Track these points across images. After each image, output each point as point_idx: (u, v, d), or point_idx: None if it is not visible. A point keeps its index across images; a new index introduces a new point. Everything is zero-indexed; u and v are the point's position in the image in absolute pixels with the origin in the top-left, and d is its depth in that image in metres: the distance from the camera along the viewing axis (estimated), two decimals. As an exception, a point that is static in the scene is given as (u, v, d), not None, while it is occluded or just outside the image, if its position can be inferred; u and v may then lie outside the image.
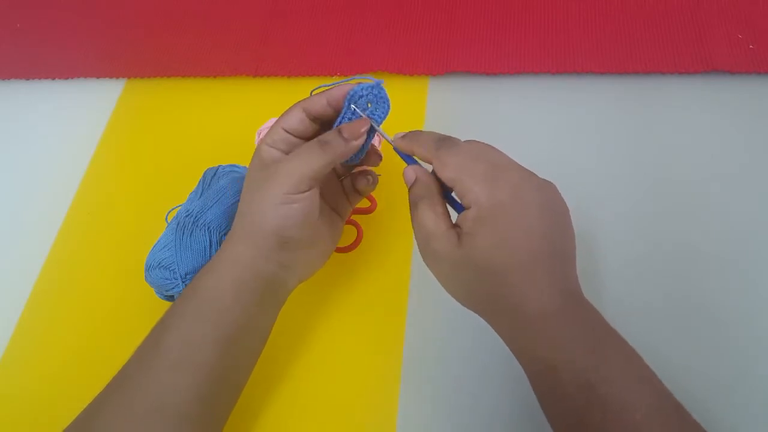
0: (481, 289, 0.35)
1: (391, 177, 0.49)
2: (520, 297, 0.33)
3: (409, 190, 0.38)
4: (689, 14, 0.56)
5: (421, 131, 0.38)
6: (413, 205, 0.37)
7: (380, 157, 0.43)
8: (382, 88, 0.39)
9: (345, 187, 0.44)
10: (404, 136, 0.38)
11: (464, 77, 0.57)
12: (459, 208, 0.36)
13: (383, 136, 0.39)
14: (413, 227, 0.37)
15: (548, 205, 0.35)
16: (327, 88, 0.39)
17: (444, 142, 0.36)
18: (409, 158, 0.39)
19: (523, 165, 0.36)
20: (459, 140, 0.37)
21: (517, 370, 0.35)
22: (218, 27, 0.65)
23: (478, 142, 0.36)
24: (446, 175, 0.35)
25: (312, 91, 0.40)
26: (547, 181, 0.36)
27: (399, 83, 0.57)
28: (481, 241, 0.33)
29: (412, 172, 0.38)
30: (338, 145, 0.37)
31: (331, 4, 0.64)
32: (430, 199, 0.36)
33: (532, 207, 0.34)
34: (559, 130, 0.54)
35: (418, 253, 0.48)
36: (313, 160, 0.37)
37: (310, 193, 0.38)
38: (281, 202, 0.37)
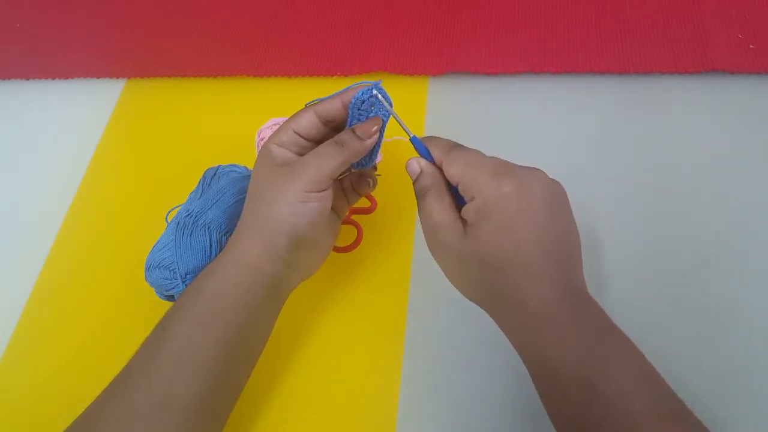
0: (486, 283, 0.35)
1: (391, 177, 0.49)
2: (523, 293, 0.33)
3: (415, 182, 0.38)
4: (689, 14, 0.56)
5: (439, 137, 0.39)
6: (420, 196, 0.37)
7: (375, 168, 0.44)
8: (381, 88, 0.39)
9: (344, 187, 0.44)
10: (422, 138, 0.39)
11: (464, 77, 0.57)
12: (463, 203, 0.36)
13: (403, 128, 0.39)
14: (420, 219, 0.38)
15: (554, 199, 0.35)
16: (321, 101, 0.40)
17: (458, 146, 0.37)
18: (423, 150, 0.38)
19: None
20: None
21: (517, 369, 0.35)
22: (218, 27, 0.65)
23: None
24: (453, 171, 0.36)
25: (306, 104, 0.41)
26: (554, 179, 0.36)
27: (399, 83, 0.57)
28: (485, 233, 0.34)
29: (416, 163, 0.38)
30: (354, 144, 0.38)
31: (331, 5, 0.64)
32: (437, 190, 0.37)
33: (537, 202, 0.34)
34: (559, 130, 0.54)
35: (418, 253, 0.49)
36: (332, 159, 0.38)
37: (326, 193, 0.38)
38: (300, 200, 0.37)
